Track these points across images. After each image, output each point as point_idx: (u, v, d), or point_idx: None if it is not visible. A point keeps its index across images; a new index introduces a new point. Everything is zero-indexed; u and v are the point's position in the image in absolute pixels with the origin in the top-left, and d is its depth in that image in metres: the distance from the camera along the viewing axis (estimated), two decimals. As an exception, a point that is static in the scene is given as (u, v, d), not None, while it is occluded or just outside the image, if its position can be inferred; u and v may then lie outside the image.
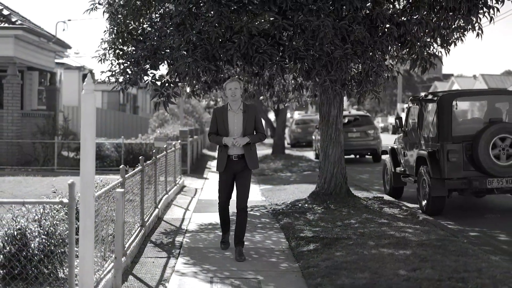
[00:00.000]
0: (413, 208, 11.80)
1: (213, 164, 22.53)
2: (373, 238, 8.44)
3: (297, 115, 51.12)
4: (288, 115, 62.56)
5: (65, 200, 5.42)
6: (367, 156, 24.77)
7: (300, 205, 11.75)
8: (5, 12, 20.47)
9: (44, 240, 6.19)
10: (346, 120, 24.33)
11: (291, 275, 7.13)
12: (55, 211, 6.58)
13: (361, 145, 23.29)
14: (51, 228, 6.32)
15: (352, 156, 24.66)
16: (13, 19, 20.11)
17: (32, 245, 6.11)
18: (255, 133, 7.92)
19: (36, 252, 6.12)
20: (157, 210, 10.65)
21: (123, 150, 19.85)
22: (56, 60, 25.77)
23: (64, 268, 6.34)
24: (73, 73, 33.19)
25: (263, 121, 26.59)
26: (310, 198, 12.00)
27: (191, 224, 10.36)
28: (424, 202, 11.32)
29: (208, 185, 16.58)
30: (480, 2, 10.53)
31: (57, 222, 6.41)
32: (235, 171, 7.87)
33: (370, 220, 9.94)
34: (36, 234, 6.23)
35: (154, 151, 10.92)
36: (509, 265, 7.02)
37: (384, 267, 6.92)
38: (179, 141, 17.77)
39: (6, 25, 19.87)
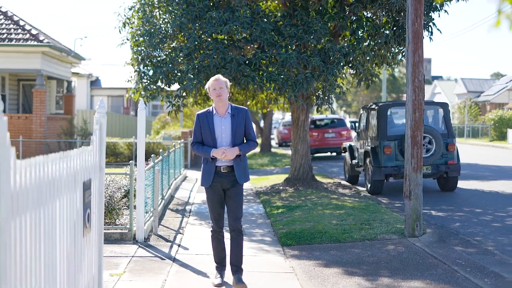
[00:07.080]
0: (362, 190, 15.67)
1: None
2: (322, 206, 12.30)
3: (288, 116, 53.98)
4: (280, 115, 66.36)
5: (128, 172, 9.33)
6: (343, 154, 28.52)
7: (276, 187, 15.63)
8: (34, 31, 24.23)
9: (108, 200, 10.01)
10: (323, 123, 28.33)
11: (264, 225, 10.98)
12: (113, 183, 10.43)
13: (336, 144, 27.17)
14: (112, 193, 10.15)
15: (329, 153, 28.53)
16: (41, 38, 23.87)
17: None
18: (245, 141, 6.80)
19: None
20: (170, 190, 14.47)
21: (134, 148, 23.62)
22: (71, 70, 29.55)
23: (119, 218, 10.18)
24: (83, 80, 36.94)
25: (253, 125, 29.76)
26: (284, 183, 15.87)
27: (195, 200, 14.21)
28: (369, 185, 15.19)
29: (206, 176, 20.37)
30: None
31: (115, 190, 10.25)
32: (224, 186, 6.72)
33: (325, 196, 13.79)
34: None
35: (168, 147, 14.72)
36: (403, 217, 10.89)
37: (323, 219, 10.78)
38: (182, 140, 21.59)
39: (35, 43, 23.64)
